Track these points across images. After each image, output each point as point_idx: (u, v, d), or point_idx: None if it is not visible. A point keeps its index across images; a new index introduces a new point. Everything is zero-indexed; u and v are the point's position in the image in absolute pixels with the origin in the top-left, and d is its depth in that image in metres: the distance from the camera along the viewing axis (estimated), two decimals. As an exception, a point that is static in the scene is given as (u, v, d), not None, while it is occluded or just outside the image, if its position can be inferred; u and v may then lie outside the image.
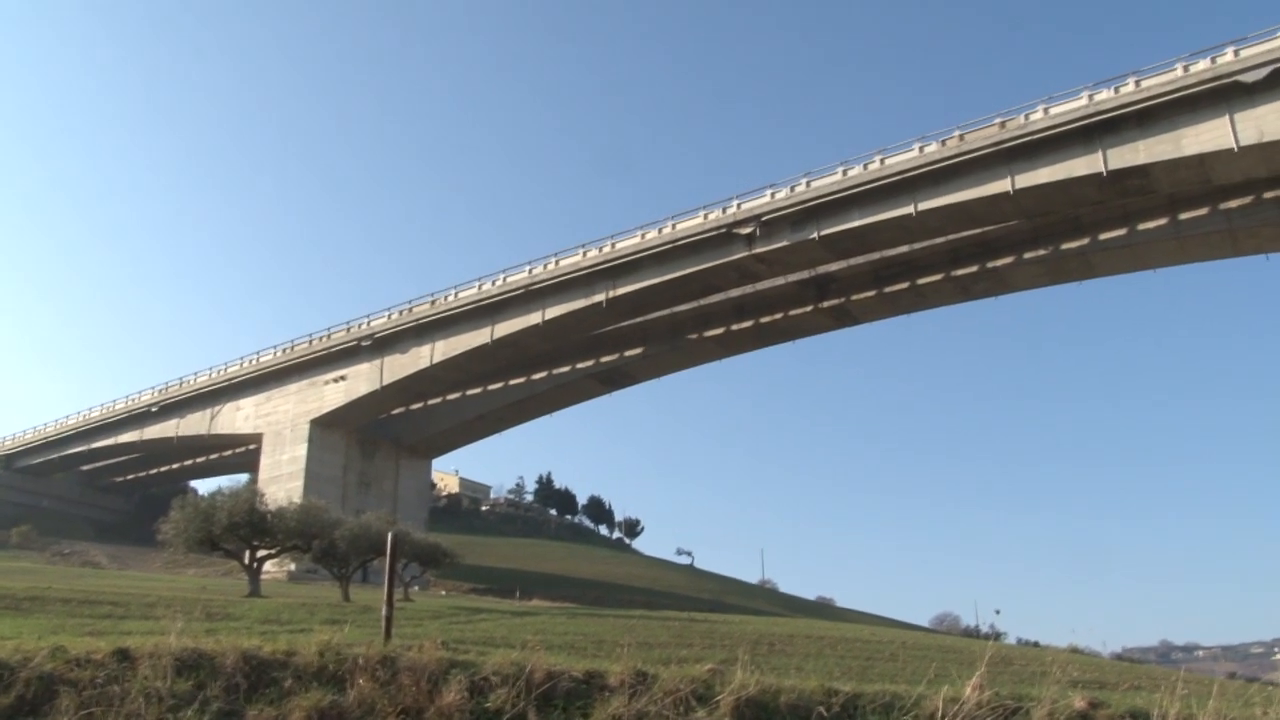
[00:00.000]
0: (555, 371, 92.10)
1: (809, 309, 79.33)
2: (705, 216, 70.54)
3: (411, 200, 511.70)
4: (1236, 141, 53.12)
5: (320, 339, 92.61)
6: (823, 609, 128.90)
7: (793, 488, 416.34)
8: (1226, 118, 53.63)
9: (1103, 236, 67.32)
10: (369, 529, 46.31)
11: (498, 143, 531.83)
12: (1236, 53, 54.28)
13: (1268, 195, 61.54)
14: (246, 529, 43.88)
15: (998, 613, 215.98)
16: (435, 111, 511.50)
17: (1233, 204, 62.80)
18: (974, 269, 72.40)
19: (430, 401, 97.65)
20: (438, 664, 13.41)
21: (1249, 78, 52.74)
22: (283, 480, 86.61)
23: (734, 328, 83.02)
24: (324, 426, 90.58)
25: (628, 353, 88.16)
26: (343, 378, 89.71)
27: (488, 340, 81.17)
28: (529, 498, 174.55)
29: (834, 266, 74.24)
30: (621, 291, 73.88)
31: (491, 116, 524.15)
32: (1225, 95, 53.83)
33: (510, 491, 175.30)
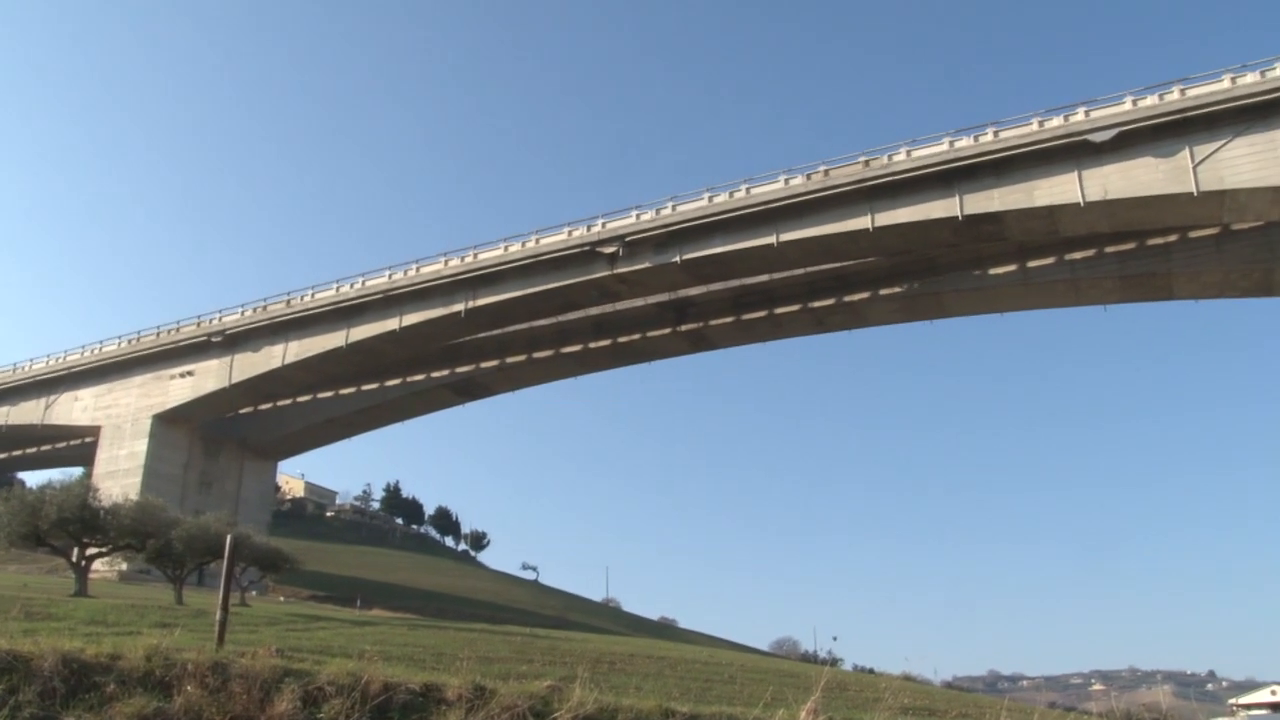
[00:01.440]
0: (410, 379, 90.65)
1: (667, 331, 79.76)
2: (570, 233, 70.38)
3: (269, 201, 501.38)
4: (1083, 197, 55.26)
5: (169, 332, 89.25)
6: (665, 629, 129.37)
7: (641, 509, 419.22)
8: (1076, 174, 55.77)
9: (955, 278, 69.30)
10: (208, 530, 44.73)
11: (357, 148, 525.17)
12: (1088, 113, 56.60)
13: (1109, 250, 64.26)
14: (77, 525, 41.77)
15: (835, 639, 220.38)
16: (297, 112, 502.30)
17: (1077, 256, 65.36)
18: (831, 302, 73.71)
19: (280, 402, 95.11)
20: (271, 672, 12.90)
21: (1098, 138, 54.99)
22: (120, 476, 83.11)
23: (592, 345, 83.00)
24: (167, 422, 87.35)
25: (484, 364, 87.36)
26: (190, 373, 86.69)
27: (342, 344, 79.47)
28: (376, 505, 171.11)
29: (694, 291, 74.80)
30: (481, 302, 73.17)
31: (354, 122, 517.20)
32: (1075, 152, 56.01)
33: (357, 498, 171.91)
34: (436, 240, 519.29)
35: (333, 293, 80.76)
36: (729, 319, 77.28)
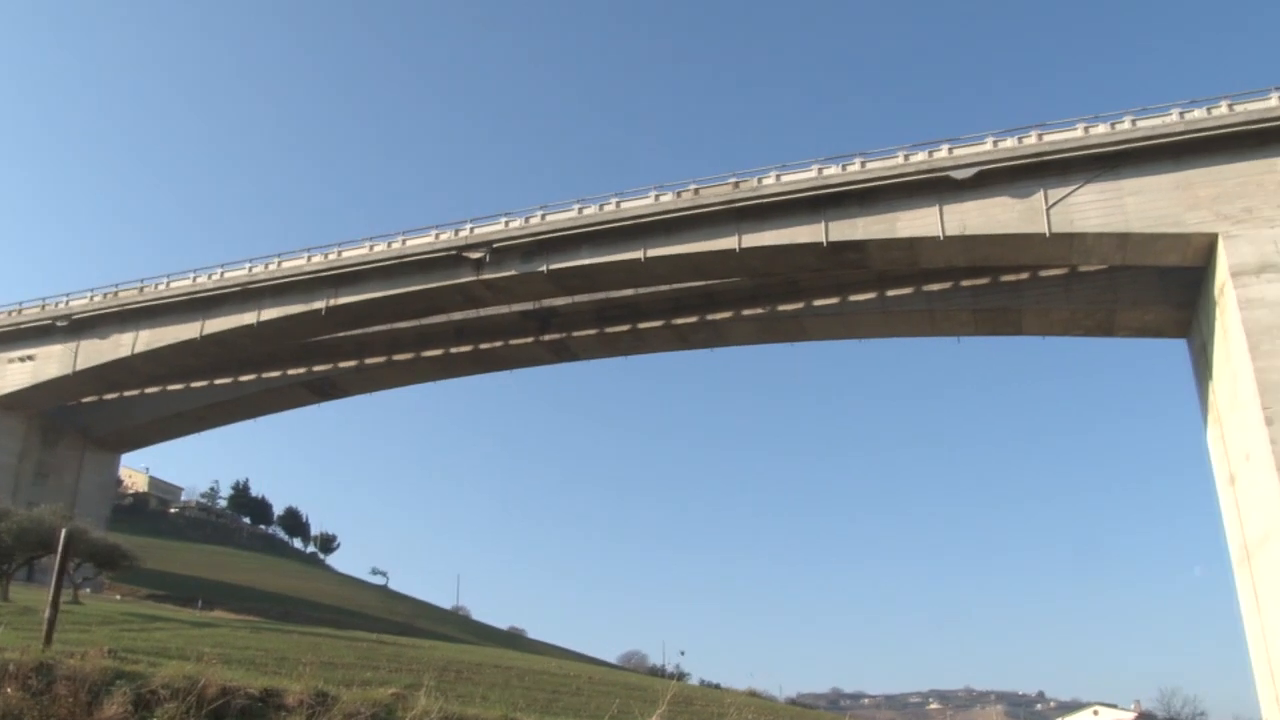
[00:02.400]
0: (265, 375, 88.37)
1: (530, 340, 79.52)
2: (437, 236, 69.70)
3: (117, 192, 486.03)
4: (943, 230, 56.99)
5: (8, 313, 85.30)
6: (514, 639, 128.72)
7: (494, 520, 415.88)
8: (937, 208, 57.47)
9: (817, 303, 70.69)
10: (40, 523, 43.06)
11: (214, 137, 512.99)
12: (951, 150, 58.43)
13: (965, 283, 66.37)
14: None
15: (683, 653, 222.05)
16: (153, 105, 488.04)
17: (934, 287, 67.30)
18: (694, 319, 74.44)
19: (127, 393, 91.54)
20: (101, 674, 12.47)
21: (959, 174, 56.82)
22: (-55, 463, 79.37)
23: (453, 350, 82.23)
24: (2, 408, 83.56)
25: (342, 364, 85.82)
26: (30, 357, 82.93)
27: (196, 336, 77.00)
28: (222, 503, 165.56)
29: (559, 301, 74.79)
30: (343, 301, 71.87)
31: (214, 112, 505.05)
32: (938, 187, 57.74)
33: (203, 495, 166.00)
34: (298, 237, 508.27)
35: (189, 283, 78.29)
36: (592, 331, 77.41)
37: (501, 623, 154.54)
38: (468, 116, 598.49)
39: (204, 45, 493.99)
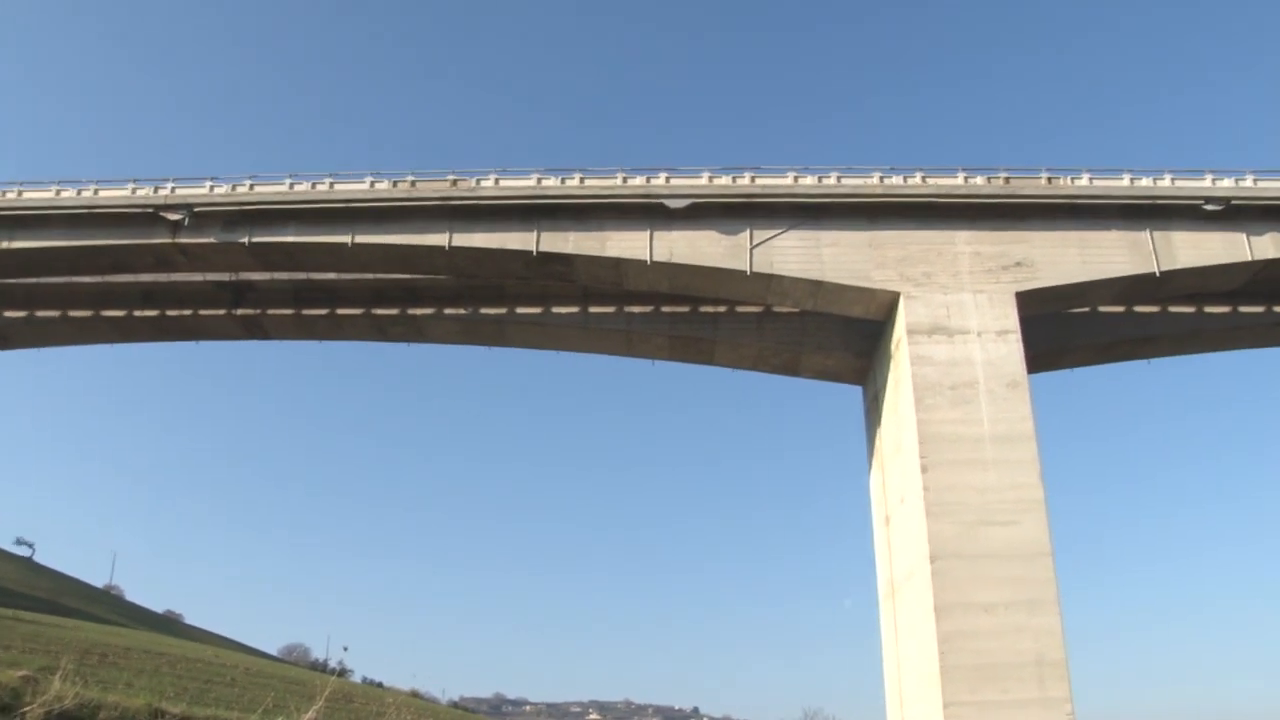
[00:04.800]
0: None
1: (221, 313, 75.70)
2: (133, 190, 65.24)
3: None
4: (650, 256, 58.61)
5: None
6: (170, 624, 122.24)
7: (158, 493, 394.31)
8: (648, 233, 59.04)
9: (520, 310, 70.88)
10: None
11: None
12: (668, 179, 60.25)
13: (665, 309, 68.39)
14: None
15: (346, 649, 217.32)
16: None
17: (636, 309, 69.00)
18: (395, 312, 73.08)
19: None
20: None
21: (673, 204, 58.71)
22: None
23: (137, 314, 77.18)
24: None
25: (8, 313, 79.09)
26: None
27: None
28: None
29: (258, 276, 71.67)
30: (18, 245, 66.11)
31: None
32: (650, 213, 59.32)
33: None
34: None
35: None
36: (289, 311, 74.58)
37: (158, 605, 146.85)
38: (179, 74, 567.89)
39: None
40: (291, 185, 63.59)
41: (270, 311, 75.13)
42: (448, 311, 72.44)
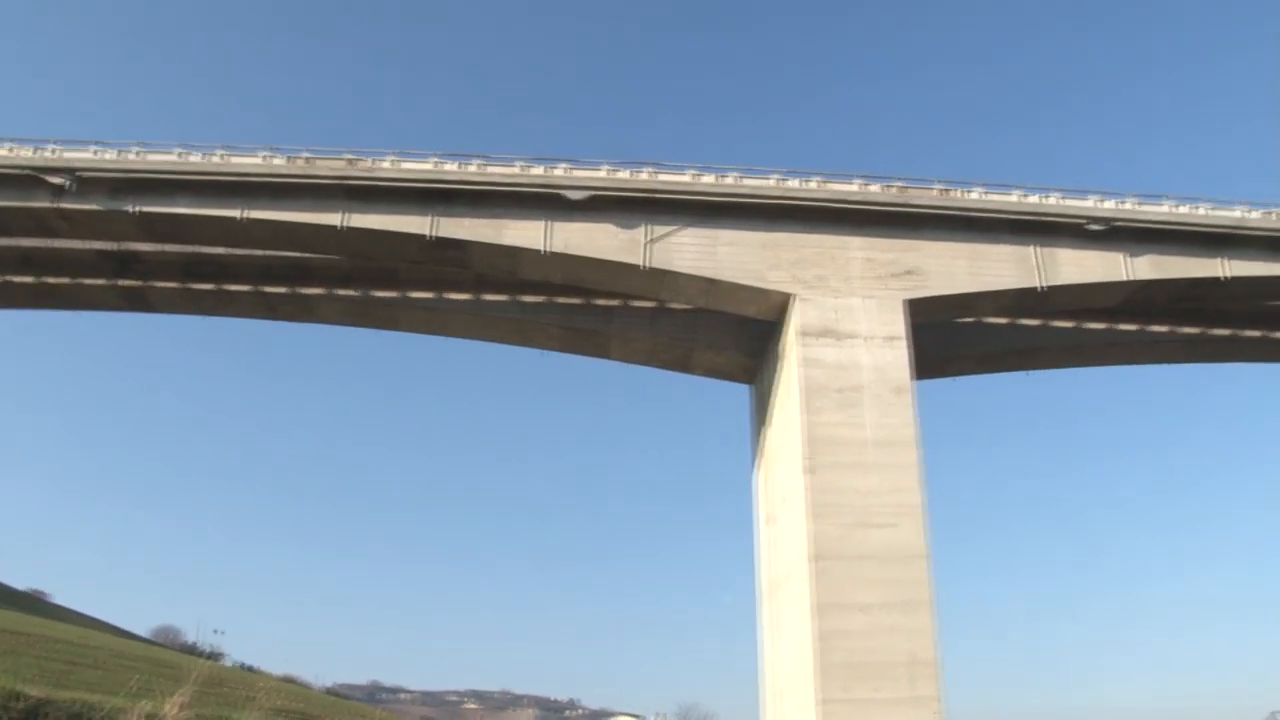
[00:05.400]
0: None
1: (103, 282, 73.50)
2: (12, 150, 63.04)
3: None
4: (547, 246, 58.34)
5: None
6: (33, 602, 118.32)
7: (25, 469, 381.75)
8: (545, 223, 58.76)
9: (413, 294, 70.20)
10: None
11: None
12: (569, 170, 60.03)
13: (559, 300, 68.28)
14: None
15: (219, 632, 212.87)
16: None
17: (529, 299, 68.76)
18: (285, 290, 71.79)
19: None
20: None
21: (572, 195, 58.53)
22: None
23: (14, 279, 74.67)
24: None
25: (-127, 270, 75.88)
26: None
27: None
28: None
29: (144, 247, 69.60)
30: (-115, 204, 63.50)
31: None
32: (549, 204, 59.05)
33: None
34: None
35: None
36: (175, 284, 72.72)
37: (20, 583, 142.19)
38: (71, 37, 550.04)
39: None
40: (183, 155, 61.93)
41: (156, 284, 73.17)
42: (339, 292, 71.43)
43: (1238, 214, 62.97)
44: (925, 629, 50.27)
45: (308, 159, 61.43)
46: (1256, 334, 74.39)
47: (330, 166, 60.86)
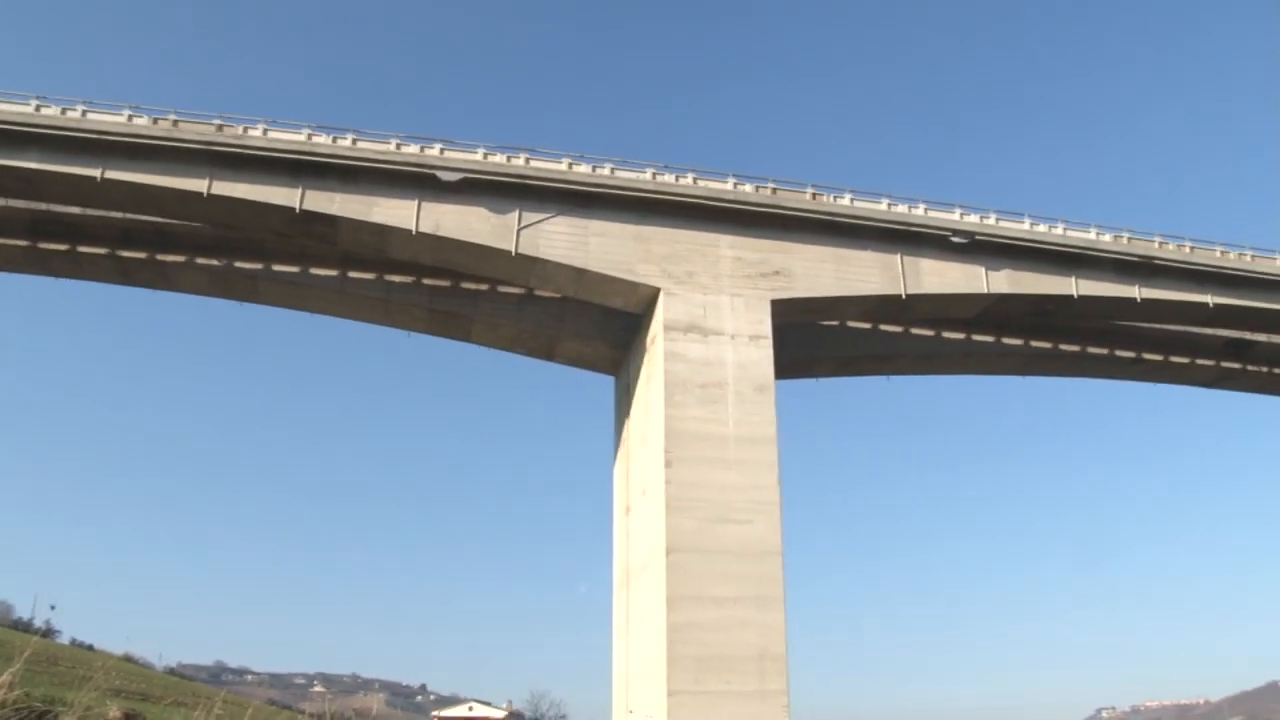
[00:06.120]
0: None
1: (-62, 238, 70.05)
2: None
3: None
4: (417, 226, 57.54)
5: None
6: None
7: None
8: (416, 203, 57.92)
9: (276, 267, 68.44)
10: None
11: None
12: (443, 151, 59.22)
13: (426, 281, 67.34)
14: None
15: (54, 608, 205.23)
16: None
17: (396, 279, 67.70)
18: (143, 256, 69.24)
19: None
20: None
21: (445, 176, 57.77)
22: None
23: None
24: None
25: None
26: None
27: None
28: None
29: (-13, 202, 66.64)
30: None
31: None
32: (421, 183, 58.17)
33: None
34: None
35: None
36: (23, 243, 69.55)
37: None
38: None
39: None
40: (38, 108, 59.23)
41: (1, 241, 69.97)
42: (200, 261, 69.23)
43: (1091, 235, 65.53)
44: (776, 624, 51.08)
45: (174, 121, 59.34)
46: (1103, 351, 77.63)
47: (197, 130, 58.92)
